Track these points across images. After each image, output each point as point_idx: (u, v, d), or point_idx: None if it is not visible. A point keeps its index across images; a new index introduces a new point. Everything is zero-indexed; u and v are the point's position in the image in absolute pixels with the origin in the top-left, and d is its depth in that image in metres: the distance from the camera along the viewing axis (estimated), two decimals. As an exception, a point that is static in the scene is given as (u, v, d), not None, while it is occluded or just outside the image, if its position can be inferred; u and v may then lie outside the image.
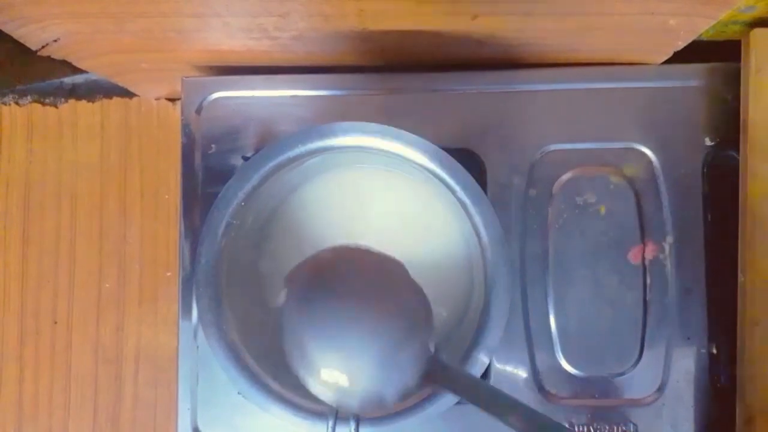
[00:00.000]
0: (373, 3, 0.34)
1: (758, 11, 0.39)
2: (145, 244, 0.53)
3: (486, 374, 0.41)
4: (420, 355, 0.27)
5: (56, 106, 0.54)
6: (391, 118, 0.40)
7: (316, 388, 0.28)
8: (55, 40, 0.38)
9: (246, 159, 0.42)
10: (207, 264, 0.37)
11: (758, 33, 0.40)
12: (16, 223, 0.53)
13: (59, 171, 0.54)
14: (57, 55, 0.41)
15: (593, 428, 0.41)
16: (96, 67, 0.45)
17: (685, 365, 0.41)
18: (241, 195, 0.37)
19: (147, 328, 0.52)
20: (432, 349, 0.27)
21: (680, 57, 0.42)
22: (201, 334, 0.39)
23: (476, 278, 0.40)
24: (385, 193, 0.43)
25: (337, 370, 0.26)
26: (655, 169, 0.42)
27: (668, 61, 0.43)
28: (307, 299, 0.27)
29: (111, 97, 0.54)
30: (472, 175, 0.36)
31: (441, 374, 0.27)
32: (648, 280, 0.42)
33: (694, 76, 0.43)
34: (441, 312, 0.40)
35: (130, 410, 0.52)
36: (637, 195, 0.42)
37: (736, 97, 0.41)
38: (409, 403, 0.35)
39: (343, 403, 0.28)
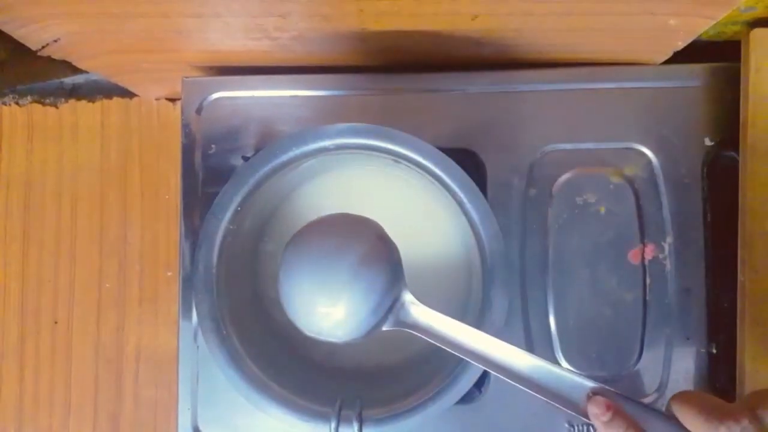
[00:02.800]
0: (373, 3, 0.34)
1: (758, 12, 0.39)
2: (146, 244, 0.53)
3: (486, 373, 0.41)
4: (390, 288, 0.33)
5: (56, 107, 0.54)
6: (390, 118, 0.40)
7: (312, 326, 0.33)
8: (56, 40, 0.38)
9: (246, 159, 0.42)
10: (205, 270, 0.37)
11: (758, 33, 0.40)
12: (17, 223, 0.54)
13: (59, 171, 0.54)
14: (57, 55, 0.41)
15: (593, 428, 0.41)
16: (96, 67, 0.45)
17: (684, 365, 0.41)
18: (237, 199, 0.37)
19: (147, 328, 0.53)
20: (403, 289, 0.34)
21: (680, 57, 0.42)
22: (201, 335, 0.39)
23: (475, 277, 0.40)
24: (382, 194, 0.43)
25: (328, 305, 0.32)
26: (655, 169, 0.42)
27: (668, 62, 0.43)
28: (303, 255, 0.33)
29: (111, 98, 0.54)
30: (472, 176, 0.36)
31: (408, 312, 0.33)
32: (648, 280, 0.42)
33: (694, 77, 0.43)
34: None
35: (131, 410, 0.52)
36: (636, 195, 0.42)
37: (736, 97, 0.41)
38: (410, 403, 0.36)
39: (332, 335, 0.32)
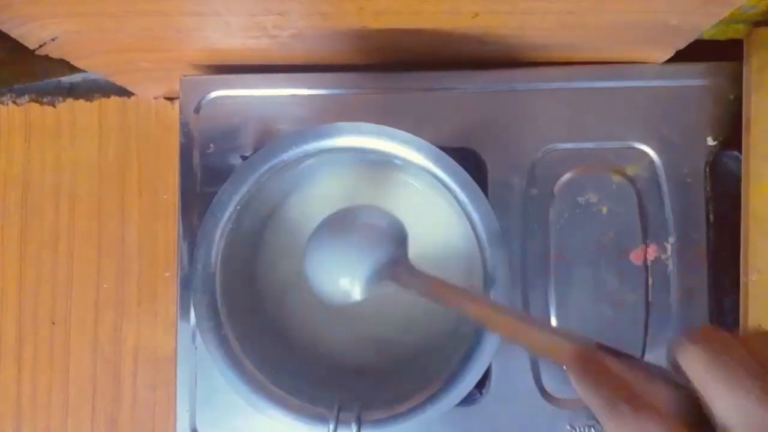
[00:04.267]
0: (373, 1, 0.34)
1: (760, 10, 0.38)
2: (144, 244, 0.53)
3: (486, 375, 0.41)
4: (390, 250, 0.35)
5: (54, 106, 0.54)
6: (390, 117, 0.40)
7: (335, 294, 0.35)
8: (53, 39, 0.38)
9: (245, 158, 0.42)
10: (204, 270, 0.37)
11: (760, 32, 0.39)
12: (14, 223, 0.53)
13: (57, 170, 0.53)
14: (55, 54, 0.41)
15: (594, 430, 0.41)
16: (94, 66, 0.45)
17: (686, 366, 0.41)
18: (237, 198, 0.37)
19: (145, 329, 0.52)
20: (405, 256, 0.35)
21: (682, 56, 0.42)
22: (199, 336, 0.39)
23: (476, 277, 0.40)
24: (383, 193, 0.43)
25: (348, 275, 0.35)
26: (657, 168, 0.42)
27: (670, 60, 0.43)
28: (328, 238, 0.36)
29: (109, 96, 0.54)
30: (473, 175, 0.36)
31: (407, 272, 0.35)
32: (650, 281, 0.42)
33: (695, 75, 0.43)
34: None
35: (129, 410, 0.52)
36: (639, 195, 0.42)
37: (738, 96, 0.41)
38: (410, 405, 0.35)
39: (348, 298, 0.35)
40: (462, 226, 0.38)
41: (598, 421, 0.26)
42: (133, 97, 0.54)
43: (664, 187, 0.42)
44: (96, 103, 0.54)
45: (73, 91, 0.55)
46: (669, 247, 0.42)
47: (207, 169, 0.43)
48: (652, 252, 0.42)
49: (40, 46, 0.39)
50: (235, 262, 0.39)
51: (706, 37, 0.41)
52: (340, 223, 0.37)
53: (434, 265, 0.42)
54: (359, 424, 0.34)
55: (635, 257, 0.42)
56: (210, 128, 0.44)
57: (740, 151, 0.40)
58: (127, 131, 0.53)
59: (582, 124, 0.43)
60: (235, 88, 0.44)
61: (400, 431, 0.35)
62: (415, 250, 0.42)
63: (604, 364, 0.23)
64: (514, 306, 0.41)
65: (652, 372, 0.22)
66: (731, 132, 0.41)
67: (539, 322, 0.28)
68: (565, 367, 0.24)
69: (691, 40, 0.39)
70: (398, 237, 0.36)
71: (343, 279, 0.34)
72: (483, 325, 0.33)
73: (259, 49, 0.41)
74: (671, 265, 0.42)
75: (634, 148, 0.42)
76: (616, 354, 0.23)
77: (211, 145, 0.44)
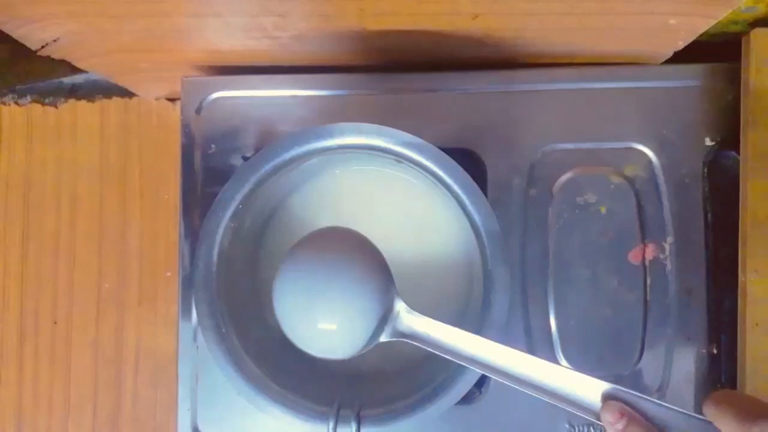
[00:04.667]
0: (373, 2, 0.34)
1: (759, 11, 0.39)
2: (145, 244, 0.53)
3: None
4: (384, 303, 0.33)
5: (56, 106, 0.54)
6: (391, 118, 0.40)
7: (311, 343, 0.33)
8: (55, 40, 0.38)
9: (246, 159, 0.42)
10: (205, 268, 0.37)
11: (758, 33, 0.40)
12: (16, 223, 0.53)
13: (59, 171, 0.54)
14: (57, 55, 0.41)
15: (593, 428, 0.41)
16: (96, 67, 0.45)
17: (685, 365, 0.41)
18: (238, 198, 0.37)
19: (147, 328, 0.52)
20: (395, 299, 0.34)
21: (680, 57, 0.42)
22: (201, 334, 0.39)
23: (475, 276, 0.40)
24: (383, 194, 0.43)
25: (329, 321, 0.33)
26: (656, 169, 0.42)
27: (668, 61, 0.43)
28: (294, 278, 0.33)
29: (111, 97, 0.54)
30: (473, 175, 0.36)
31: (404, 324, 0.34)
32: (648, 281, 0.42)
33: (694, 76, 0.43)
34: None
35: (130, 410, 0.52)
36: (637, 195, 0.42)
37: (736, 97, 0.41)
38: (409, 403, 0.36)
39: (331, 352, 0.33)
40: (462, 226, 0.39)
41: (596, 420, 0.27)
42: (134, 98, 0.54)
43: (663, 188, 0.42)
44: (98, 103, 0.54)
45: (75, 92, 0.55)
46: (667, 247, 0.42)
47: (208, 169, 0.44)
48: (650, 252, 0.42)
49: (42, 47, 0.39)
50: (237, 261, 0.39)
51: (704, 38, 0.41)
52: (310, 269, 0.33)
53: (434, 266, 0.42)
54: (359, 421, 0.34)
55: (634, 257, 0.42)
56: (211, 129, 0.44)
57: (738, 152, 0.40)
58: (129, 132, 0.54)
59: (581, 125, 0.43)
60: (237, 89, 0.44)
61: (400, 429, 0.35)
62: (415, 250, 0.42)
63: (637, 418, 0.26)
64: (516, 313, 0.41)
65: (676, 411, 0.26)
66: (729, 133, 0.42)
67: (560, 371, 0.29)
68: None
69: (690, 41, 0.40)
70: (382, 271, 0.34)
71: (329, 342, 0.33)
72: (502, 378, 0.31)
73: (260, 50, 0.41)
74: (669, 265, 0.42)
75: (633, 149, 0.43)
76: (644, 399, 0.27)
77: (213, 145, 0.44)
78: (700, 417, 0.26)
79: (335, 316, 0.32)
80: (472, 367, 0.31)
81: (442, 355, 0.32)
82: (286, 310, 0.33)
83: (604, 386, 0.28)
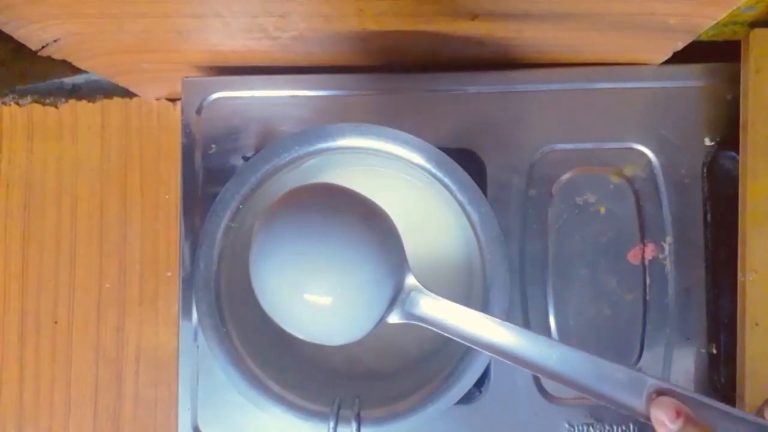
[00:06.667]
0: (373, 3, 0.34)
1: (758, 11, 0.39)
2: (146, 244, 0.53)
3: (486, 374, 0.41)
4: (391, 272, 0.27)
5: (56, 107, 0.54)
6: (391, 118, 0.40)
7: (302, 328, 0.27)
8: (56, 41, 0.38)
9: (246, 159, 0.42)
10: (206, 268, 0.37)
11: (758, 33, 0.40)
12: (17, 223, 0.54)
13: (59, 171, 0.54)
14: (57, 56, 0.41)
15: (593, 428, 0.41)
16: (96, 68, 0.45)
17: (685, 365, 0.41)
18: (239, 198, 0.37)
19: (147, 328, 0.53)
20: (406, 276, 0.28)
21: (680, 57, 0.42)
22: (201, 334, 0.39)
23: (475, 277, 0.40)
24: (384, 194, 0.43)
25: (319, 293, 0.26)
26: (655, 169, 0.42)
27: (668, 62, 0.43)
28: (280, 238, 0.27)
29: (111, 98, 0.54)
30: (472, 176, 0.36)
31: (414, 304, 0.28)
32: (648, 281, 0.42)
33: (693, 76, 0.43)
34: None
35: (131, 409, 0.52)
36: (636, 195, 0.42)
37: (736, 97, 0.41)
38: (409, 403, 0.36)
39: (321, 336, 0.28)
40: (462, 226, 0.39)
41: (595, 420, 0.27)
42: (135, 99, 0.54)
43: (662, 188, 0.42)
44: (98, 104, 0.54)
45: (76, 92, 0.55)
46: (667, 246, 0.42)
47: (209, 169, 0.44)
48: (649, 252, 0.42)
49: (43, 48, 0.39)
50: (237, 260, 0.39)
51: (704, 38, 0.41)
52: (299, 228, 0.27)
53: (434, 266, 0.42)
54: (359, 421, 0.34)
55: (633, 257, 0.42)
56: (212, 129, 0.44)
57: (737, 152, 0.40)
58: (129, 132, 0.54)
59: (580, 125, 0.43)
60: (237, 90, 0.44)
61: (400, 429, 0.35)
62: (415, 250, 0.42)
63: (694, 417, 0.24)
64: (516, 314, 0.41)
65: (733, 413, 0.24)
66: (729, 133, 0.42)
67: (599, 362, 0.26)
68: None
69: (689, 41, 0.40)
70: (391, 238, 0.28)
71: (324, 325, 0.27)
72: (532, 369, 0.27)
73: (260, 50, 0.41)
74: (669, 265, 0.42)
75: (632, 149, 0.43)
76: (695, 398, 0.24)
77: (213, 146, 0.44)
78: (761, 421, 0.24)
79: (330, 292, 0.26)
80: (496, 357, 0.27)
81: (459, 340, 0.28)
82: (268, 282, 0.27)
83: (648, 380, 0.25)
